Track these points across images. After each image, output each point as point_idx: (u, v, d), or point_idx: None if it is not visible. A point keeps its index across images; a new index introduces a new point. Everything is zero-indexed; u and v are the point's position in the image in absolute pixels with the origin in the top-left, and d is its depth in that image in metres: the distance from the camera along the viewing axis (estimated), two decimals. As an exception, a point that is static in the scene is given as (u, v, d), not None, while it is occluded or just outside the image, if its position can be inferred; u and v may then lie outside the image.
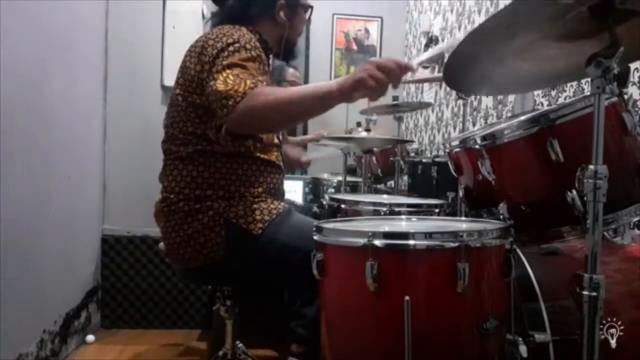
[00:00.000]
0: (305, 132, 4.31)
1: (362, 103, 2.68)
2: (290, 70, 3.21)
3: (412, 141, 3.71)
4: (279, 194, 1.63)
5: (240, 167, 1.50)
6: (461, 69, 1.24)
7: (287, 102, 1.32)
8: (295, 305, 1.39)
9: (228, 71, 1.36)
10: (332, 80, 1.35)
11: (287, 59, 1.74)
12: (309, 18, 1.72)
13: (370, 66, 1.26)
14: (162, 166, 1.58)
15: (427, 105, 3.54)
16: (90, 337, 2.65)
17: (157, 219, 1.58)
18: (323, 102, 1.33)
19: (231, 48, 1.41)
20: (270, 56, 1.68)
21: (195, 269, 1.51)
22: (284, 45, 1.65)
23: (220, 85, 1.33)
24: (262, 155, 1.54)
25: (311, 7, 1.69)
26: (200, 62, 1.45)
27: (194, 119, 1.49)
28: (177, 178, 1.50)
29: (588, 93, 1.10)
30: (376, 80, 1.25)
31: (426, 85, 3.90)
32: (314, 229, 1.16)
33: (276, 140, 1.63)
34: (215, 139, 1.48)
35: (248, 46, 1.43)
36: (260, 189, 1.52)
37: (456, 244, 1.02)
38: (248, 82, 1.32)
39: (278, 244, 1.44)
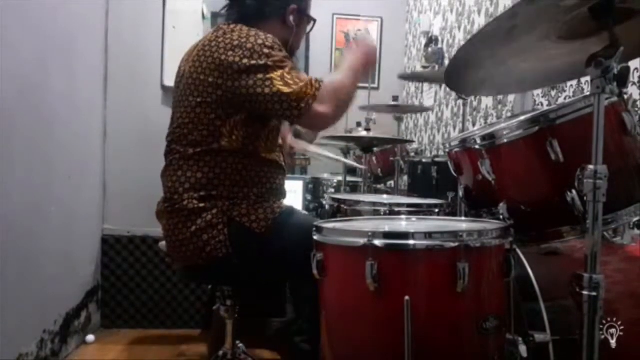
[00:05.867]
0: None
1: (363, 101, 2.69)
2: None
3: (412, 141, 3.71)
4: (281, 194, 1.63)
5: (244, 168, 1.50)
6: (463, 73, 1.24)
7: (347, 90, 1.48)
8: (300, 320, 1.41)
9: (280, 71, 1.40)
10: (340, 65, 1.55)
11: None
12: (309, 31, 1.74)
13: (364, 46, 1.56)
14: (164, 165, 1.57)
15: (426, 109, 3.55)
16: (90, 337, 2.65)
17: (159, 218, 1.58)
18: (359, 79, 1.53)
19: (266, 50, 1.42)
20: None
21: (196, 267, 1.51)
22: (288, 51, 1.62)
23: (283, 88, 1.39)
24: (267, 156, 1.55)
25: (314, 20, 1.71)
26: (221, 64, 1.43)
27: (208, 116, 1.47)
28: (181, 179, 1.49)
29: (588, 93, 1.10)
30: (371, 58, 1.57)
31: (426, 85, 3.90)
32: (314, 229, 1.16)
33: (280, 141, 1.65)
34: (229, 136, 1.47)
35: (276, 46, 1.46)
36: (263, 190, 1.53)
37: (456, 244, 1.02)
38: (309, 81, 1.40)
39: (280, 242, 1.44)
